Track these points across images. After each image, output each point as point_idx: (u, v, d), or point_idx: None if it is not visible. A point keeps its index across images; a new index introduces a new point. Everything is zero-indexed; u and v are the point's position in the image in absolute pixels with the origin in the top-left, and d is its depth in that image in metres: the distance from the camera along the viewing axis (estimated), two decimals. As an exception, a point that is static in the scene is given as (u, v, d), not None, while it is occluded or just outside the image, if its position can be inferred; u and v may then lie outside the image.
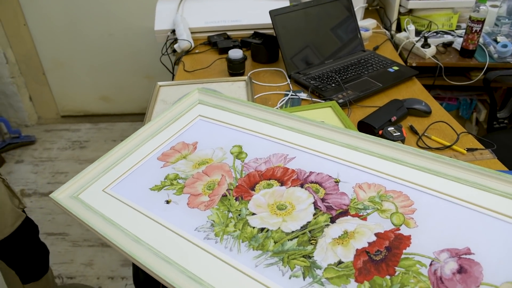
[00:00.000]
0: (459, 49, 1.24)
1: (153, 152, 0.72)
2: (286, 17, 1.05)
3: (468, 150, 0.74)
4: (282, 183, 0.59)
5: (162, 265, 0.50)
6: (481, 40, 1.24)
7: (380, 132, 0.76)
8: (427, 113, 0.85)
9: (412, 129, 0.81)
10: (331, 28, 1.11)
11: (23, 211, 1.00)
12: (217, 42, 1.26)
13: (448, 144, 0.75)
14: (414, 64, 1.21)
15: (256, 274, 0.47)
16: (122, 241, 0.55)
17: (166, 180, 0.64)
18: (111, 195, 0.63)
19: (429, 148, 0.76)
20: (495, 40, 1.22)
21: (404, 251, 0.47)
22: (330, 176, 0.58)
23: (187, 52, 1.27)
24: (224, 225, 0.54)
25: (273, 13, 1.03)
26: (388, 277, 0.44)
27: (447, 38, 1.28)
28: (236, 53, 1.06)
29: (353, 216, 0.52)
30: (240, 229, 0.53)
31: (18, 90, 2.27)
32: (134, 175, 0.67)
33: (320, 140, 0.65)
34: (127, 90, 2.35)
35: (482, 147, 0.76)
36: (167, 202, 0.60)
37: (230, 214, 0.55)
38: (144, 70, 2.27)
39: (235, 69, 1.07)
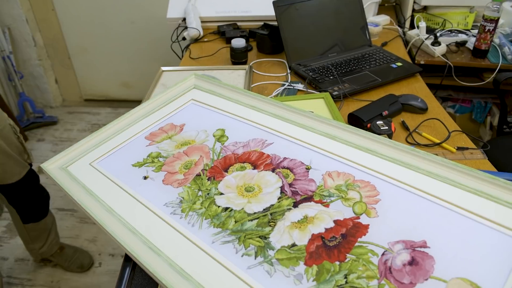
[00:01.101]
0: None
1: (142, 131, 0.74)
2: (291, 8, 1.05)
3: (458, 148, 0.72)
4: (255, 167, 0.60)
5: (127, 235, 0.52)
6: (497, 41, 1.19)
7: (369, 125, 0.75)
8: (422, 109, 0.83)
9: (403, 125, 0.79)
10: (337, 21, 1.10)
11: (30, 164, 1.19)
12: (225, 31, 1.27)
13: (438, 141, 0.73)
14: (422, 62, 1.17)
15: (211, 249, 0.48)
16: (96, 211, 0.57)
17: (148, 157, 0.66)
18: (96, 169, 0.66)
19: (417, 145, 0.74)
20: (512, 42, 1.16)
21: (359, 239, 0.46)
22: (302, 163, 0.59)
23: (196, 40, 1.29)
24: (191, 202, 0.55)
25: (276, 4, 1.03)
26: (337, 262, 0.44)
27: (461, 37, 1.23)
28: (238, 42, 1.06)
29: (316, 202, 0.52)
30: (205, 207, 0.54)
31: (44, 72, 2.37)
32: (121, 151, 0.70)
33: (300, 128, 0.65)
34: (146, 77, 2.41)
35: (474, 146, 0.73)
36: (145, 178, 0.62)
37: (200, 193, 0.57)
38: (164, 58, 2.31)
39: (237, 58, 1.08)
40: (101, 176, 0.64)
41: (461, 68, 1.19)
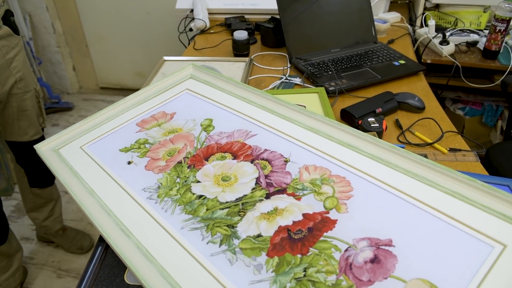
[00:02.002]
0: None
1: (135, 118, 0.75)
2: (294, 2, 1.03)
3: (450, 150, 0.70)
4: (235, 157, 0.60)
5: (102, 216, 0.54)
6: (510, 42, 1.14)
7: (360, 122, 0.73)
8: (419, 109, 0.81)
9: (397, 123, 0.78)
10: (342, 16, 1.08)
11: (42, 129, 1.25)
12: (231, 23, 1.27)
13: (430, 141, 0.72)
14: (428, 61, 1.14)
15: (178, 235, 0.49)
16: (78, 192, 0.59)
17: (135, 143, 0.68)
18: (85, 152, 0.67)
19: (408, 144, 0.72)
20: (527, 43, 1.12)
21: (325, 233, 0.46)
22: (281, 155, 0.58)
23: (202, 31, 1.30)
24: (168, 188, 0.56)
25: (279, -4, 1.02)
26: (299, 255, 0.44)
27: (473, 37, 1.19)
28: (240, 34, 1.06)
29: (288, 194, 0.52)
30: (181, 194, 0.55)
31: (63, 59, 2.43)
32: (112, 136, 0.71)
33: (286, 121, 0.65)
34: (160, 67, 2.43)
35: (468, 149, 0.71)
36: (129, 162, 0.63)
37: (178, 180, 0.57)
38: (176, 48, 2.32)
39: (239, 50, 1.08)
40: (89, 159, 0.66)
41: (471, 69, 1.15)
